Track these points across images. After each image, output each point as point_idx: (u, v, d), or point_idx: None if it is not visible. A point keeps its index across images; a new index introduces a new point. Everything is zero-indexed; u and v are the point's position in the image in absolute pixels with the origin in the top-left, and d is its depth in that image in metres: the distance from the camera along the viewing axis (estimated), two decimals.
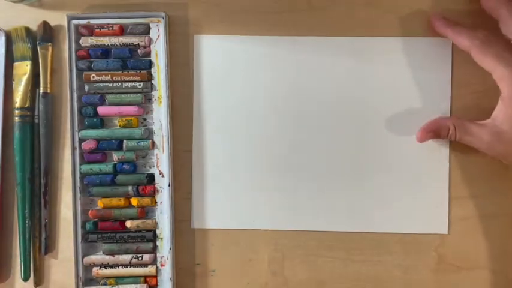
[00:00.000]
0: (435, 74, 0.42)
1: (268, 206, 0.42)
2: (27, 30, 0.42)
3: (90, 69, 0.42)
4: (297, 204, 0.42)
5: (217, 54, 0.42)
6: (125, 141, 0.41)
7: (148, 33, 0.42)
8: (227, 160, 0.42)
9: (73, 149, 0.41)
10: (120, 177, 0.41)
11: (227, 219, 0.42)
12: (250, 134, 0.42)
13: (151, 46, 0.41)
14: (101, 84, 0.42)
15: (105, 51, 0.42)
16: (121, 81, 0.41)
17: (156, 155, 0.42)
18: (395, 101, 0.42)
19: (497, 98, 0.37)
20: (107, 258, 0.41)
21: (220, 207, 0.42)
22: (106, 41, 0.41)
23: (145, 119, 0.42)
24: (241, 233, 0.42)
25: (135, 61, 0.41)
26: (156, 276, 0.41)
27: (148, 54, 0.42)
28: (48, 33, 0.42)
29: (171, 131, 0.42)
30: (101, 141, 0.42)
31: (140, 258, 0.41)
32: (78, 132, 0.41)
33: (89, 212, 0.42)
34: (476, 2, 0.40)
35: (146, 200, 0.41)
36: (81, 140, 0.42)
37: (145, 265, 0.41)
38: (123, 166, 0.41)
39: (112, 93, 0.42)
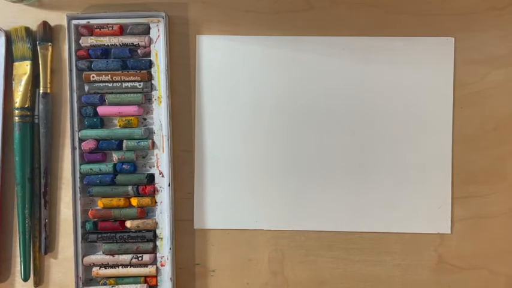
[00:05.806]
0: (437, 73, 0.41)
1: (269, 206, 0.42)
2: (27, 30, 0.42)
3: (90, 69, 0.41)
4: (297, 204, 0.42)
5: (218, 54, 0.42)
6: (124, 141, 0.41)
7: (148, 33, 0.41)
8: (227, 160, 0.42)
9: (73, 149, 0.41)
10: (120, 177, 0.41)
11: (227, 219, 0.42)
12: (251, 133, 0.42)
13: (151, 46, 0.41)
14: (101, 84, 0.41)
15: (105, 51, 0.41)
16: (121, 81, 0.41)
17: (156, 155, 0.42)
18: (397, 101, 0.42)
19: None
20: (107, 258, 0.41)
21: (221, 208, 0.42)
22: (106, 41, 0.41)
23: (145, 119, 0.42)
24: (241, 233, 0.42)
25: (135, 61, 0.41)
26: (156, 276, 0.41)
27: (148, 54, 0.42)
28: (48, 33, 0.42)
29: (171, 131, 0.42)
30: (101, 141, 0.42)
31: (140, 258, 0.41)
32: (78, 132, 0.41)
33: (89, 212, 0.42)
34: None
35: (146, 200, 0.41)
36: (81, 140, 0.42)
37: (145, 265, 0.41)
38: (123, 166, 0.41)
39: (112, 93, 0.42)
